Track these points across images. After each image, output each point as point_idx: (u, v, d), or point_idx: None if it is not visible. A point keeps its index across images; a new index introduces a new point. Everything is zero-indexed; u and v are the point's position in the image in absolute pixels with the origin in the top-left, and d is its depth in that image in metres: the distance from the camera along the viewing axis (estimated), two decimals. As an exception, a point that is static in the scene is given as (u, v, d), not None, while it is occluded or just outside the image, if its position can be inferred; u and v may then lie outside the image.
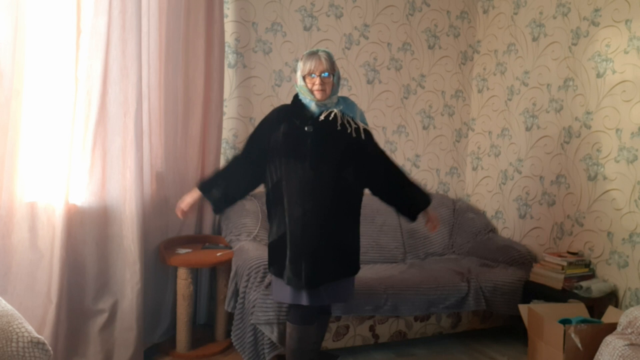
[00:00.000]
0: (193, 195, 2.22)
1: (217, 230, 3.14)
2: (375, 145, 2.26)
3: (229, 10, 3.14)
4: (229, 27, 3.15)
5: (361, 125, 2.18)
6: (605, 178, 2.87)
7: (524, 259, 3.17)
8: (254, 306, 2.46)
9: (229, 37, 3.15)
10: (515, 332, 3.02)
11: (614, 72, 2.82)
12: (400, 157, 3.73)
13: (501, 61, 3.63)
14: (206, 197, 2.21)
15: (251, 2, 3.20)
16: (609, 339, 2.04)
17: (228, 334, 2.79)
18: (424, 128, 3.80)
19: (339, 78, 2.16)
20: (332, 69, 2.10)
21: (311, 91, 2.10)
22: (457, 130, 3.91)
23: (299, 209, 2.07)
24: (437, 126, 3.84)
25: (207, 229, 3.07)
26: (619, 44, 2.79)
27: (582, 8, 3.01)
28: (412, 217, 2.34)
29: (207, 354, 2.74)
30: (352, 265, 2.23)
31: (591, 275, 2.87)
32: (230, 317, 2.77)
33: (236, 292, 2.65)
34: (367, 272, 2.87)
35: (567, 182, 3.11)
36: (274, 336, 2.45)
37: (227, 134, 3.21)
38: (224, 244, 2.95)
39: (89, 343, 2.51)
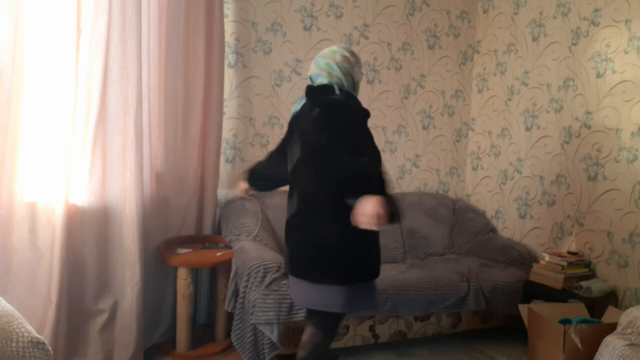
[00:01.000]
0: None
1: (217, 230, 3.14)
2: None
3: (229, 10, 3.14)
4: (229, 27, 3.15)
5: None
6: (605, 178, 2.87)
7: (524, 259, 3.17)
8: (254, 306, 2.46)
9: (229, 37, 3.15)
10: (515, 332, 3.01)
11: (614, 72, 2.82)
12: (400, 157, 3.73)
13: (501, 61, 3.63)
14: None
15: (251, 2, 3.20)
16: (609, 339, 2.04)
17: (228, 334, 2.79)
18: (424, 128, 3.80)
19: None
20: None
21: None
22: (457, 130, 3.91)
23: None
24: (437, 126, 3.84)
25: (207, 229, 3.07)
26: (619, 44, 2.79)
27: (582, 8, 3.01)
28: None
29: (207, 354, 2.74)
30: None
31: (591, 275, 2.87)
32: (230, 317, 2.77)
33: (236, 292, 2.65)
34: (367, 272, 2.87)
35: (567, 182, 3.11)
36: (274, 336, 2.45)
37: (227, 134, 3.21)
38: (223, 243, 2.95)
39: (89, 343, 2.50)
